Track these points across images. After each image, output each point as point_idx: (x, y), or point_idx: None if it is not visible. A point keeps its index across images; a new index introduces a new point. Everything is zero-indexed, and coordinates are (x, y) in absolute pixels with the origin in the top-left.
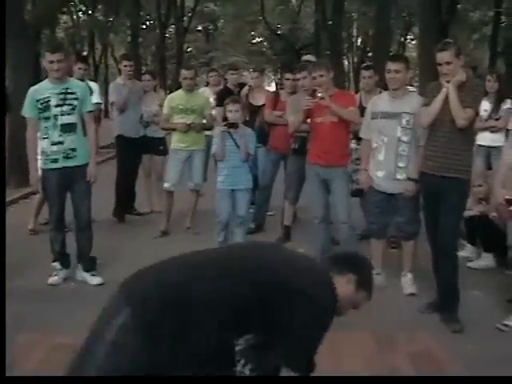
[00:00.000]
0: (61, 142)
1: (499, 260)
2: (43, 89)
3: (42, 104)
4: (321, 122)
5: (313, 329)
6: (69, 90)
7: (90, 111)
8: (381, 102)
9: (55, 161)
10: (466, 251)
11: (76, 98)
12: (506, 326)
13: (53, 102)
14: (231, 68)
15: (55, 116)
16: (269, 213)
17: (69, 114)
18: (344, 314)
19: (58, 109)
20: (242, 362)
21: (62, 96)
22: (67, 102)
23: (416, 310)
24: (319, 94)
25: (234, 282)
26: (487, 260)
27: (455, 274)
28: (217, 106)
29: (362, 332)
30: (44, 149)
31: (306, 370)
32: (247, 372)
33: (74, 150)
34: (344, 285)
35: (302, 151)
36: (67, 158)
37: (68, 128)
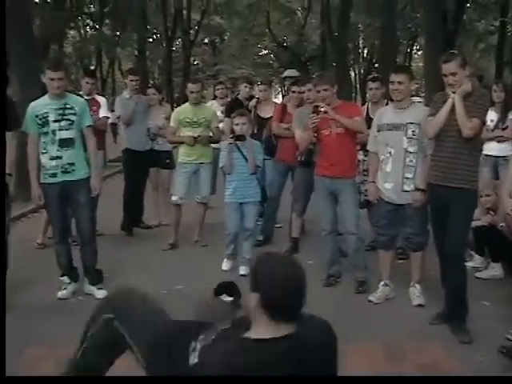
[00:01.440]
0: (59, 157)
1: (508, 270)
2: (42, 104)
3: (40, 119)
4: (327, 135)
5: None
6: (67, 106)
7: (89, 126)
8: (386, 113)
9: (54, 175)
10: (474, 261)
11: (74, 113)
12: None
13: (51, 117)
14: (246, 81)
15: (53, 131)
16: (277, 225)
17: (67, 130)
18: None
19: (57, 124)
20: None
21: (60, 111)
22: (65, 117)
23: (424, 321)
24: (322, 109)
25: None
26: (495, 270)
27: (463, 284)
28: (226, 117)
29: (370, 344)
30: (43, 163)
31: None
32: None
33: (72, 164)
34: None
35: (309, 163)
36: (66, 172)
37: (66, 143)
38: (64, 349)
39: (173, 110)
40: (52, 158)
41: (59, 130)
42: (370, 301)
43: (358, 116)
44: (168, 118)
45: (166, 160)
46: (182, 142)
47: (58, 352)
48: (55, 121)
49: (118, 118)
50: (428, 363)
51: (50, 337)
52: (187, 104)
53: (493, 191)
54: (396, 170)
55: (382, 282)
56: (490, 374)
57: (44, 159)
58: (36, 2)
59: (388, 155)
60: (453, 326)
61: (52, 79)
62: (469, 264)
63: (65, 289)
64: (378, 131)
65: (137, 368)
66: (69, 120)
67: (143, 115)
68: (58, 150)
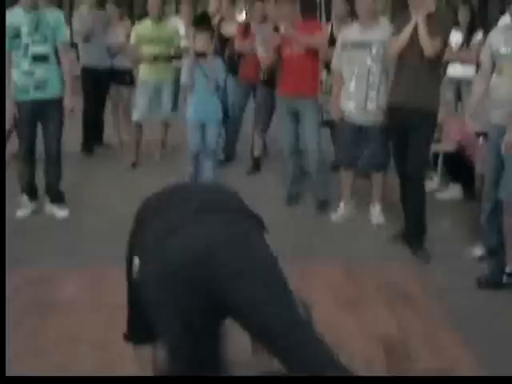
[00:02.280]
0: (31, 73)
1: (466, 191)
2: (14, 15)
3: (12, 31)
4: (289, 54)
5: None
6: (42, 18)
7: (65, 42)
8: (351, 31)
9: (26, 92)
10: (433, 183)
11: (49, 27)
12: (472, 254)
13: (24, 30)
14: None
15: (26, 45)
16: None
17: (40, 44)
18: None
19: (29, 38)
20: None
21: (33, 25)
22: (39, 30)
23: (384, 241)
24: (282, 27)
25: None
26: (455, 191)
27: (422, 204)
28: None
29: (330, 263)
30: (14, 79)
31: None
32: None
33: (45, 81)
34: None
35: (271, 82)
36: (38, 89)
37: (39, 58)
38: (25, 267)
39: (133, 26)
40: (24, 73)
41: (32, 43)
42: (330, 220)
43: (318, 33)
44: (128, 35)
45: (126, 77)
46: (142, 60)
47: (18, 270)
48: (28, 34)
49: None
50: (388, 282)
51: (10, 256)
52: (148, 20)
53: (444, 108)
54: (359, 89)
55: (343, 202)
56: (449, 292)
57: (15, 75)
58: None
59: (352, 74)
60: (412, 246)
61: None
62: (428, 185)
63: (24, 207)
64: (342, 50)
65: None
66: (43, 34)
67: (102, 32)
68: (30, 65)
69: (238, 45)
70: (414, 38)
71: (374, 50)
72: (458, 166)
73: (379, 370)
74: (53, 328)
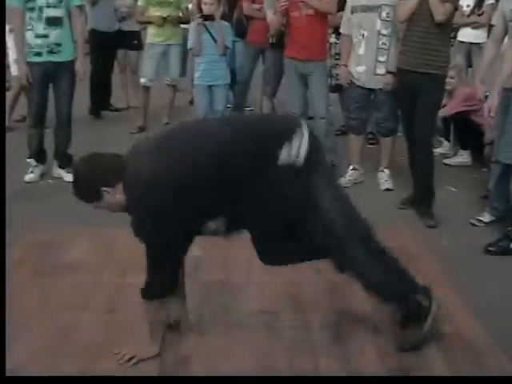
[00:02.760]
0: (45, 36)
1: (475, 157)
2: None
3: None
4: (297, 16)
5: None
6: None
7: (78, 5)
8: None
9: (39, 54)
10: (442, 148)
11: None
12: (480, 221)
13: None
14: None
15: (40, 8)
16: (247, 108)
17: (55, 7)
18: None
19: (44, 0)
20: None
21: None
22: None
23: (392, 206)
24: None
25: None
26: (463, 157)
27: (431, 169)
28: None
29: None
30: (27, 41)
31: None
32: None
33: (59, 44)
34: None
35: (280, 45)
36: (51, 52)
37: (53, 21)
38: (34, 230)
39: None
40: (38, 36)
41: (47, 6)
42: None
43: None
44: None
45: (133, 41)
46: (150, 23)
47: (28, 235)
48: None
49: None
50: (394, 246)
51: (19, 220)
52: None
53: (456, 75)
54: (369, 53)
55: (351, 167)
56: (454, 256)
57: (29, 37)
58: None
59: (361, 38)
60: (419, 211)
61: None
62: (437, 150)
63: (32, 172)
64: (352, 13)
65: (137, 367)
66: None
67: None
68: (44, 29)
69: (246, 8)
70: (423, 1)
71: (383, 14)
72: (467, 132)
73: (385, 332)
74: (62, 290)
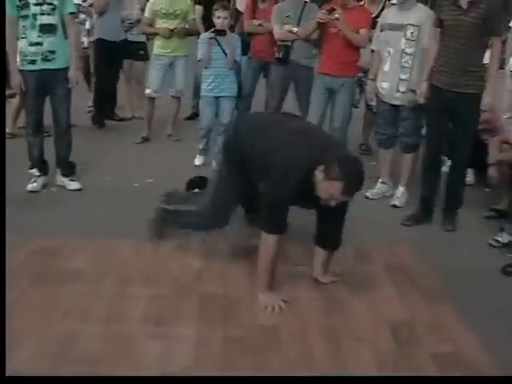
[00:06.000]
0: (39, 43)
1: (479, 177)
2: None
3: (20, 1)
4: (335, 33)
5: (275, 188)
6: None
7: (72, 13)
8: (390, 13)
9: (33, 62)
10: (445, 167)
11: None
12: (497, 241)
13: (32, 0)
14: None
15: (34, 15)
16: None
17: (49, 14)
18: (323, 198)
19: (38, 8)
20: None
21: None
22: (47, 0)
23: (398, 222)
24: (336, 15)
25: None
26: (468, 176)
27: (463, 186)
28: (195, 4)
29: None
30: (21, 49)
31: (277, 229)
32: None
33: (53, 52)
34: (317, 173)
35: (286, 60)
36: (46, 60)
37: (47, 29)
38: (36, 238)
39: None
40: (32, 44)
41: (40, 14)
42: (366, 197)
43: (365, 26)
44: (143, 9)
45: (140, 51)
46: (157, 34)
47: (30, 242)
48: (36, 4)
49: (90, 5)
50: (397, 264)
51: (22, 229)
52: None
53: None
54: (393, 70)
55: (380, 180)
56: (454, 277)
57: (23, 45)
58: None
59: (387, 55)
60: (445, 215)
61: None
62: (442, 169)
63: (35, 181)
64: (381, 31)
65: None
66: (51, 4)
67: (117, 4)
68: (38, 36)
69: (247, 25)
70: (458, 21)
71: (408, 33)
72: (472, 151)
73: (385, 349)
74: (63, 298)
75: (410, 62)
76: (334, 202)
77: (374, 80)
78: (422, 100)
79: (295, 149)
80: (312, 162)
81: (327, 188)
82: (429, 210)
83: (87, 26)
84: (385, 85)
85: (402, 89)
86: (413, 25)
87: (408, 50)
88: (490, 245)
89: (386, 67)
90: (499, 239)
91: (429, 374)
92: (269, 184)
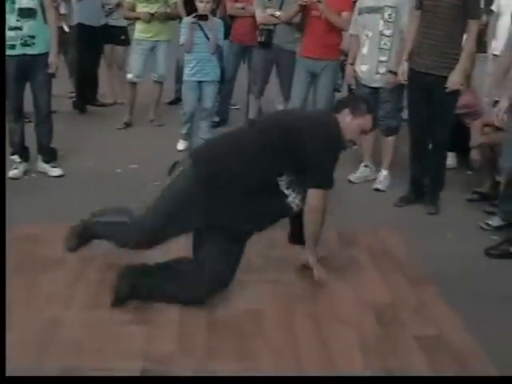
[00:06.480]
0: (19, 28)
1: (461, 160)
2: None
3: None
4: (317, 16)
5: (325, 152)
6: None
7: None
8: None
9: (12, 47)
10: None
11: None
12: (488, 224)
13: None
14: None
15: None
16: (234, 106)
17: None
18: (357, 141)
19: None
20: (291, 191)
21: None
22: None
23: (383, 206)
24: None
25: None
26: (449, 159)
27: (444, 167)
28: None
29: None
30: None
31: (330, 183)
32: (297, 200)
33: (32, 37)
34: (343, 118)
35: (268, 44)
36: (25, 45)
37: (27, 13)
38: (18, 225)
39: None
40: (11, 29)
41: None
42: (349, 181)
43: (347, 10)
44: None
45: (121, 36)
46: (138, 18)
47: (12, 230)
48: None
49: None
50: (380, 248)
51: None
52: None
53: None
54: (371, 53)
55: (363, 163)
56: (437, 260)
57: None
58: None
59: (365, 38)
60: (427, 199)
61: None
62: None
63: (16, 168)
64: (359, 14)
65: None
66: None
67: None
68: (17, 20)
69: (230, 8)
70: (438, 5)
71: (386, 15)
72: (454, 134)
73: (369, 333)
74: (45, 285)
75: (389, 44)
76: (363, 138)
77: (352, 64)
78: (403, 80)
79: (314, 120)
80: (334, 119)
81: (360, 124)
82: (420, 191)
83: (62, 10)
84: (364, 68)
85: (381, 71)
86: (390, 6)
87: (386, 32)
88: (481, 228)
89: (365, 50)
90: (490, 222)
91: (422, 374)
92: (313, 152)
